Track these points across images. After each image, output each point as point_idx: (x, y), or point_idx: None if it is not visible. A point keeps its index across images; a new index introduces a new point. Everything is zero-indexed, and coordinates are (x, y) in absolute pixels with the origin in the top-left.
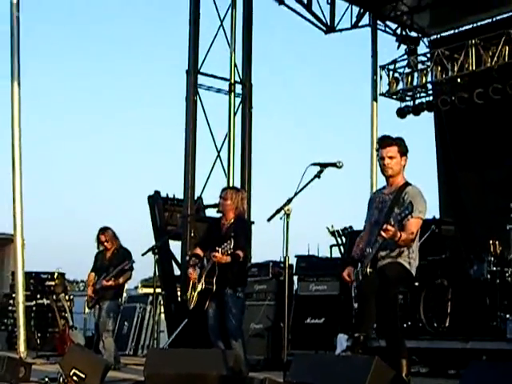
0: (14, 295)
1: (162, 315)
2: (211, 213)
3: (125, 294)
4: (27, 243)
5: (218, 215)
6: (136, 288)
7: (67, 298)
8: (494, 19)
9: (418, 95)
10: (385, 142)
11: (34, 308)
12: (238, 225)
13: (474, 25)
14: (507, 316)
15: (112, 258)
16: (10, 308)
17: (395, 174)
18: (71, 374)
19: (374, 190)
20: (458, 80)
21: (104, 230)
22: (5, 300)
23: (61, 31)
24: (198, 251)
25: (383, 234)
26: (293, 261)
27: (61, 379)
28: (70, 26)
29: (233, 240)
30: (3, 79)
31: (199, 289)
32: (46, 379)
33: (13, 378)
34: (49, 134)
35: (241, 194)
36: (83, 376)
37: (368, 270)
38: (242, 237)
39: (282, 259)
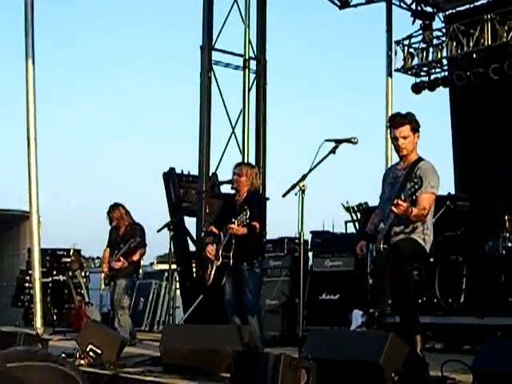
0: (30, 272)
1: (178, 291)
2: (226, 189)
3: (140, 271)
4: (43, 220)
5: (233, 191)
6: (151, 264)
7: (83, 274)
8: None
9: (433, 71)
10: (396, 121)
11: (50, 284)
12: (252, 197)
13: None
14: None
15: (125, 234)
16: (26, 284)
17: (410, 152)
18: (88, 349)
19: (389, 166)
20: (474, 55)
21: (113, 208)
22: (21, 276)
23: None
24: (213, 229)
25: (394, 209)
26: (308, 237)
27: (77, 355)
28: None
29: (248, 211)
30: (18, 58)
31: (217, 264)
32: (63, 355)
33: None
34: (63, 112)
35: (255, 169)
36: (99, 352)
37: (382, 245)
38: (257, 209)
39: (297, 235)
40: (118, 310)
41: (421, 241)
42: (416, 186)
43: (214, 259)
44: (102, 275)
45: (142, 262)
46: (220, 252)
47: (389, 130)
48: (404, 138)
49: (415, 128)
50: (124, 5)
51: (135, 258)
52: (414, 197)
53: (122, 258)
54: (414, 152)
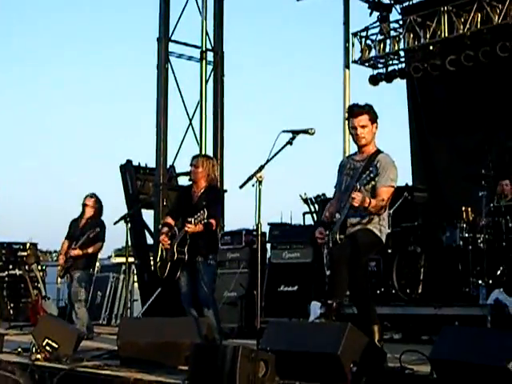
0: None
1: (136, 284)
2: (184, 181)
3: (98, 264)
4: None
5: (191, 183)
6: (109, 257)
7: (40, 268)
8: None
9: (391, 62)
10: (355, 111)
11: (6, 279)
12: (210, 193)
13: None
14: (479, 282)
15: (85, 226)
16: None
17: (368, 142)
18: (44, 343)
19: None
20: (431, 47)
21: (92, 196)
22: None
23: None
24: (169, 220)
25: (352, 201)
26: (266, 229)
27: (33, 349)
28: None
29: (206, 209)
30: None
31: (171, 258)
32: (19, 349)
33: None
34: (19, 100)
35: (212, 161)
36: (56, 346)
37: (338, 236)
38: (215, 205)
39: (255, 227)
40: (74, 303)
41: (377, 231)
42: (371, 175)
43: (168, 250)
44: (58, 267)
45: (99, 255)
46: (175, 247)
47: (347, 121)
48: (363, 127)
49: (373, 118)
50: None
51: (91, 250)
52: (370, 185)
53: (78, 248)
54: (373, 143)
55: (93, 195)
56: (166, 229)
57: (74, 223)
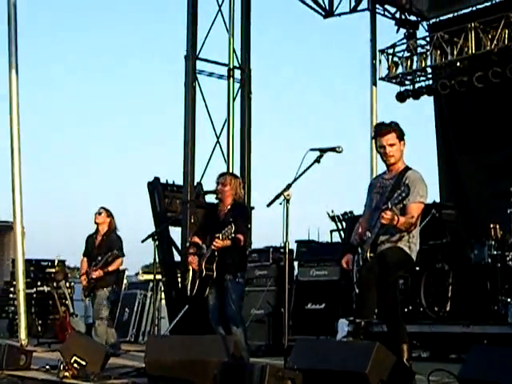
0: (14, 283)
1: (163, 301)
2: (211, 199)
3: (125, 281)
4: (27, 231)
5: (217, 201)
6: (137, 274)
7: (68, 284)
8: (494, 2)
9: (418, 79)
10: (382, 129)
11: (34, 295)
12: (236, 210)
13: (474, 8)
14: (508, 300)
15: (101, 244)
16: (10, 295)
17: (397, 160)
18: (72, 361)
19: (374, 175)
20: (458, 64)
21: (104, 208)
22: (5, 287)
23: (59, 17)
24: (196, 239)
25: (382, 219)
26: (293, 246)
27: (61, 366)
28: (67, 12)
29: (233, 225)
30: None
31: (200, 276)
32: (47, 367)
33: (13, 365)
34: (48, 123)
35: (239, 179)
36: (84, 363)
37: (368, 254)
38: (242, 221)
39: (282, 244)
40: (95, 320)
41: (407, 249)
42: (403, 194)
43: (196, 270)
44: (81, 287)
45: (126, 272)
46: (203, 264)
47: (374, 140)
48: (391, 145)
49: (400, 136)
50: (109, 14)
51: (111, 268)
52: (402, 205)
53: (98, 269)
54: (401, 161)
55: (101, 211)
56: (193, 248)
57: (90, 239)
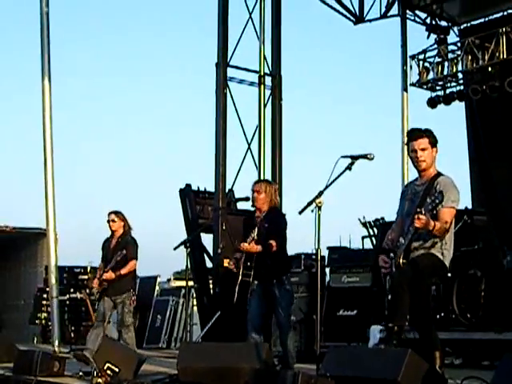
0: (47, 289)
1: (195, 308)
2: (243, 206)
3: (157, 287)
4: (60, 237)
5: (249, 207)
6: (168, 281)
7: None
8: None
9: (449, 85)
10: (415, 134)
11: (67, 302)
12: (271, 215)
13: (505, 13)
14: None
15: (115, 247)
16: (43, 302)
17: (428, 166)
18: (105, 367)
19: (406, 182)
20: (489, 69)
21: (115, 212)
22: (39, 294)
23: (91, 27)
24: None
25: (415, 223)
26: (325, 252)
27: (95, 373)
28: (100, 20)
29: (256, 229)
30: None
31: (238, 281)
32: (80, 373)
33: (47, 371)
34: (81, 130)
35: (274, 186)
36: (117, 370)
37: (401, 260)
38: (274, 225)
39: (314, 251)
40: (122, 329)
41: (440, 256)
42: (437, 201)
43: (237, 273)
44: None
45: (158, 279)
46: (241, 270)
47: (406, 145)
48: (423, 150)
49: (433, 142)
50: (140, 22)
51: (123, 271)
52: (435, 211)
53: (110, 271)
54: (433, 167)
55: (114, 218)
56: (238, 254)
57: (105, 244)
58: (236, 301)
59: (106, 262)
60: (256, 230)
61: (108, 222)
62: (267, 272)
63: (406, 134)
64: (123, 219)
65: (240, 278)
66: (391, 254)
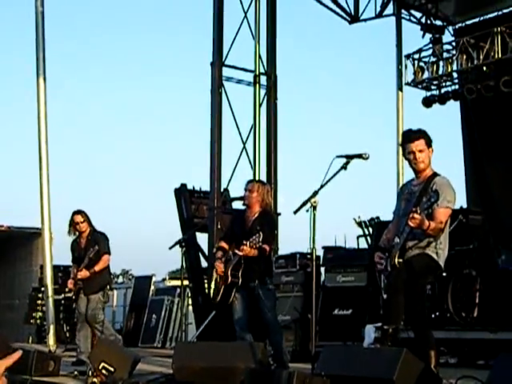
0: (42, 289)
1: (190, 307)
2: (238, 205)
3: (152, 287)
4: (55, 237)
5: (245, 207)
6: (163, 280)
7: None
8: None
9: (444, 84)
10: (411, 136)
11: (62, 301)
12: (263, 218)
13: (499, 12)
14: None
15: (87, 245)
16: (38, 302)
17: (426, 167)
18: (100, 367)
19: (401, 181)
20: (484, 68)
21: (79, 212)
22: (34, 294)
23: (86, 26)
24: (223, 244)
25: (410, 222)
26: (320, 252)
27: (90, 373)
28: (93, 23)
29: (261, 234)
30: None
31: (225, 282)
32: (76, 373)
33: (42, 371)
34: (76, 129)
35: (267, 186)
36: (112, 369)
37: (396, 260)
38: (269, 230)
39: (309, 250)
40: (95, 326)
41: (434, 256)
42: (432, 200)
43: (222, 276)
44: (71, 293)
45: (153, 279)
46: (229, 271)
47: (402, 147)
48: (420, 151)
49: (429, 143)
50: (136, 21)
51: (97, 267)
52: (430, 210)
53: (83, 269)
54: (429, 167)
55: (79, 211)
56: (220, 253)
57: (74, 245)
58: (227, 301)
59: (78, 263)
60: (260, 235)
61: (76, 224)
62: (253, 275)
63: (400, 136)
64: (87, 217)
65: (230, 279)
66: (386, 254)
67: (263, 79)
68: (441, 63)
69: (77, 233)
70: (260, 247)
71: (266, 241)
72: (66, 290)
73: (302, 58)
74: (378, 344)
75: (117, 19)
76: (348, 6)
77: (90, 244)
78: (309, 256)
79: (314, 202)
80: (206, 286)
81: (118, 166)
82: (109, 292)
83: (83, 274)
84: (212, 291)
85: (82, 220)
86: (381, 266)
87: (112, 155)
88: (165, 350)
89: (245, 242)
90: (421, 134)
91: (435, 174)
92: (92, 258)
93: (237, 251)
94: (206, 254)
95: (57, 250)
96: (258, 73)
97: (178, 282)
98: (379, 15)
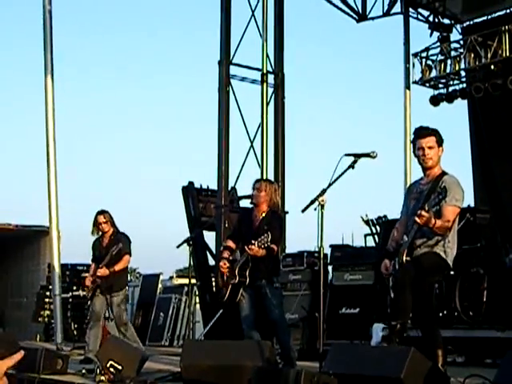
0: (50, 287)
1: (198, 306)
2: (245, 204)
3: (160, 285)
4: (63, 235)
5: (252, 206)
6: (171, 278)
7: None
8: None
9: (452, 83)
10: (423, 132)
11: (70, 300)
12: (271, 218)
13: (507, 11)
14: None
15: (109, 244)
16: (46, 300)
17: (434, 164)
18: (108, 365)
19: (409, 180)
20: (492, 67)
21: (103, 212)
22: (41, 292)
23: (93, 24)
24: (230, 243)
25: (417, 219)
26: (327, 250)
27: (98, 371)
28: (101, 18)
29: (270, 234)
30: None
31: (233, 281)
32: (84, 371)
33: (50, 369)
34: (83, 128)
35: (274, 185)
36: (120, 367)
37: (404, 258)
38: (276, 230)
39: (317, 249)
40: (121, 328)
41: (443, 254)
42: (440, 197)
43: (227, 275)
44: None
45: (161, 277)
46: (236, 270)
47: (412, 143)
48: (430, 148)
49: (439, 141)
50: (144, 20)
51: (117, 267)
52: (438, 207)
53: (104, 267)
54: (438, 166)
55: (103, 211)
56: (227, 253)
57: (96, 243)
58: (234, 300)
59: (98, 262)
60: (268, 235)
61: (99, 224)
62: (261, 274)
63: (412, 132)
64: (110, 218)
65: (237, 279)
66: (393, 261)
67: (271, 78)
68: (448, 62)
69: (100, 233)
70: (268, 247)
71: (274, 241)
72: (83, 287)
73: (309, 56)
74: (385, 343)
75: (124, 17)
76: (356, 5)
77: (113, 244)
78: (316, 254)
79: (322, 201)
80: (214, 284)
81: (126, 164)
82: (127, 293)
83: (103, 271)
84: (219, 290)
85: (104, 220)
86: (385, 275)
87: (119, 153)
88: (172, 348)
89: (253, 242)
90: (432, 131)
91: (444, 173)
92: (113, 257)
93: (247, 248)
94: (214, 252)
95: (64, 249)
96: (265, 71)
97: (185, 281)
98: (387, 13)
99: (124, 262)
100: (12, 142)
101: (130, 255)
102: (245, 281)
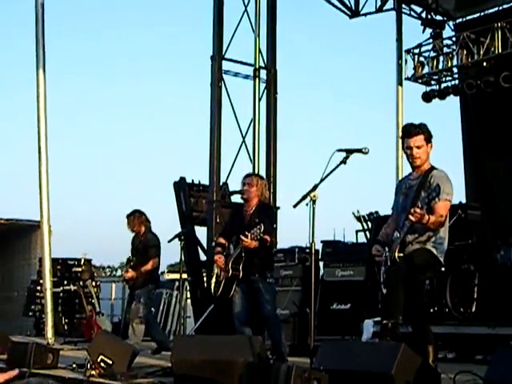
0: (41, 281)
1: (189, 301)
2: (237, 199)
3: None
4: (54, 230)
5: (243, 201)
6: (162, 274)
7: (94, 283)
8: None
9: (444, 79)
10: (411, 130)
11: (61, 294)
12: (262, 210)
13: (500, 8)
14: None
15: (138, 245)
16: (37, 294)
17: (423, 163)
18: (99, 360)
19: (400, 176)
20: (484, 63)
21: (133, 213)
22: (32, 286)
23: (85, 18)
24: (222, 240)
25: (411, 217)
26: (319, 246)
27: (88, 365)
28: (94, 13)
29: (262, 226)
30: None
31: (226, 276)
32: (74, 365)
33: (41, 364)
34: (75, 122)
35: (264, 181)
36: (110, 362)
37: (396, 254)
38: (268, 222)
39: (308, 245)
40: (133, 320)
41: (434, 251)
42: (433, 194)
43: (223, 270)
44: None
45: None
46: (230, 264)
47: (401, 141)
48: (418, 147)
49: (428, 138)
50: (136, 15)
51: (144, 268)
52: (430, 204)
53: (131, 270)
54: (427, 162)
55: (131, 213)
56: (219, 248)
57: (134, 239)
58: (226, 294)
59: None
60: (261, 227)
61: (128, 224)
62: (254, 268)
63: (401, 130)
64: (141, 218)
65: (230, 273)
66: (386, 248)
67: (263, 73)
68: (441, 58)
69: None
70: (261, 238)
71: (267, 232)
72: (82, 282)
73: (302, 52)
74: (376, 338)
75: (117, 13)
76: (348, 1)
77: (142, 244)
78: (308, 250)
79: (314, 196)
80: (205, 279)
81: (117, 159)
82: (152, 290)
83: (129, 274)
84: (213, 285)
85: (134, 222)
86: (378, 258)
87: (110, 148)
88: None
89: (246, 234)
90: (420, 130)
91: (432, 168)
92: (140, 260)
93: (242, 237)
94: (205, 247)
95: (55, 243)
96: (257, 67)
97: (176, 276)
98: (379, 10)
99: (151, 264)
100: (3, 136)
101: (158, 258)
102: (238, 274)
